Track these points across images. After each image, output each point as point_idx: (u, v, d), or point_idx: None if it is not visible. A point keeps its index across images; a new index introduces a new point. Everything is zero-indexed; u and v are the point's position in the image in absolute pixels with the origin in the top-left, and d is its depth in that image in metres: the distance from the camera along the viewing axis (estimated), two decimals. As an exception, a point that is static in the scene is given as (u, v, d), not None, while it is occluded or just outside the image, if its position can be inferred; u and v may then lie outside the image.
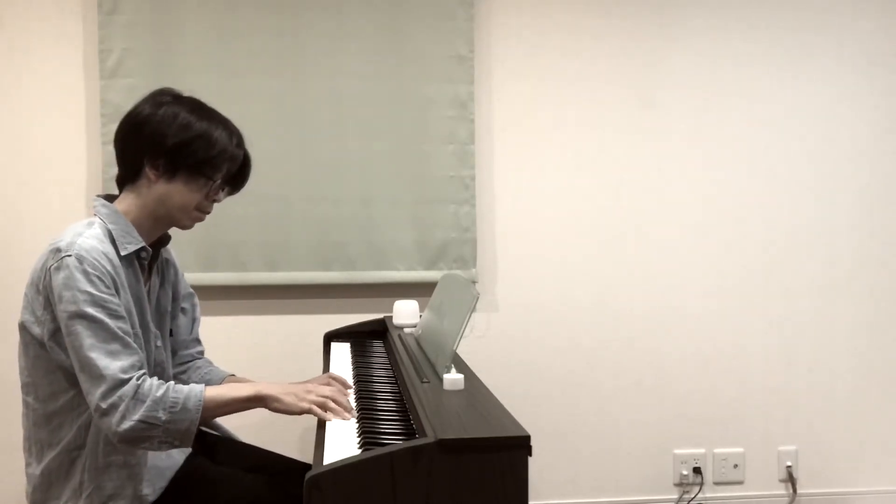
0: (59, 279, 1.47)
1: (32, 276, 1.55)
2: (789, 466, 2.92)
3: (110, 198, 1.65)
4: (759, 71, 2.87)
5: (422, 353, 1.98)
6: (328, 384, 1.81)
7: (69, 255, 1.47)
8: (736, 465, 2.91)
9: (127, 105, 2.56)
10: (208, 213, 1.68)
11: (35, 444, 1.58)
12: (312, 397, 1.60)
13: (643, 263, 2.86)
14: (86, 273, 1.46)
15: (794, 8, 2.87)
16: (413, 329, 2.37)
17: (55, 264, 1.48)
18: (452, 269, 2.73)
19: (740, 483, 2.92)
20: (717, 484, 2.92)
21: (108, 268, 1.50)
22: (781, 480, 2.94)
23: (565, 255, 2.84)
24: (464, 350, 2.62)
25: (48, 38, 2.65)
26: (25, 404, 1.59)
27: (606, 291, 2.85)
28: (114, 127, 2.57)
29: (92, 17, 2.64)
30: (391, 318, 2.49)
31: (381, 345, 2.39)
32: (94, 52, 2.64)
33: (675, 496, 2.91)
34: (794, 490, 2.92)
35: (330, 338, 2.48)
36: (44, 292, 1.51)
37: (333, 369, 2.04)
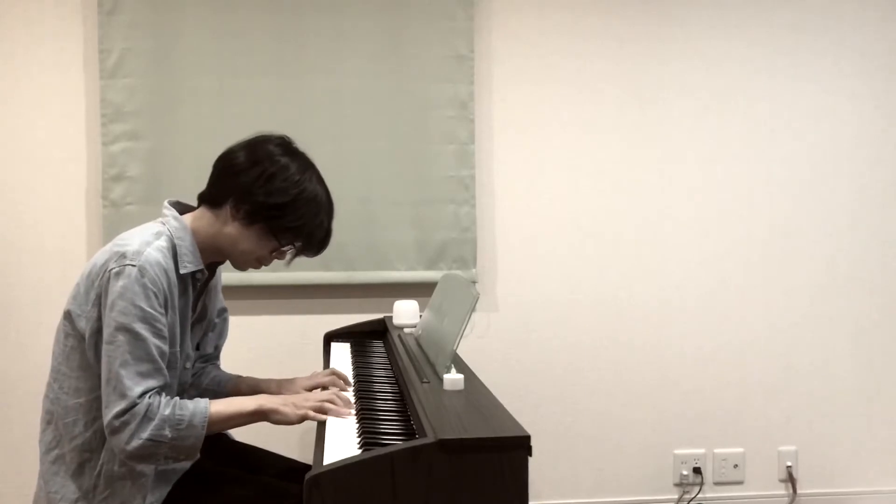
0: (117, 286, 1.47)
1: (91, 270, 1.54)
2: (789, 466, 2.92)
3: (181, 207, 1.66)
4: (759, 71, 2.87)
5: (422, 353, 1.98)
6: (332, 381, 1.83)
7: (132, 265, 1.48)
8: (736, 465, 2.91)
9: (127, 105, 2.61)
10: (266, 265, 1.69)
11: (53, 428, 1.58)
12: (310, 403, 1.61)
13: (643, 263, 2.86)
14: (144, 287, 1.47)
15: (794, 9, 2.87)
16: (413, 329, 2.37)
17: (117, 269, 1.48)
18: (452, 269, 2.73)
19: (740, 483, 2.92)
20: (717, 484, 2.92)
21: (165, 286, 1.52)
22: (781, 480, 2.94)
23: (565, 255, 2.84)
24: (464, 350, 2.62)
25: (48, 38, 2.65)
26: (50, 388, 1.59)
27: (606, 291, 2.86)
28: (114, 127, 2.64)
29: (92, 17, 2.65)
30: (391, 318, 2.49)
31: (381, 345, 2.39)
32: (94, 52, 2.64)
33: (675, 496, 2.91)
34: (794, 490, 2.92)
35: (330, 338, 2.48)
36: (98, 290, 1.51)
37: (333, 369, 2.03)
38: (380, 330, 2.52)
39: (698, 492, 2.90)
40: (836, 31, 2.88)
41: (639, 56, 2.83)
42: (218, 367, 1.93)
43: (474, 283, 2.76)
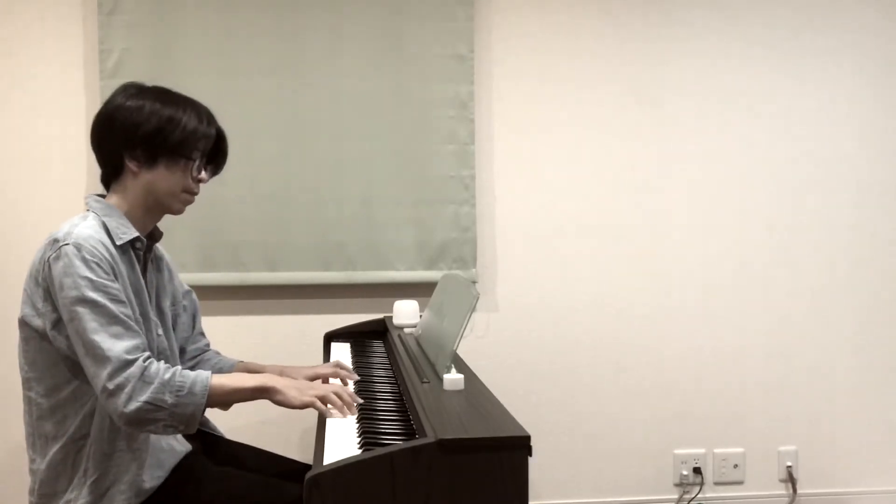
0: (58, 268, 1.48)
1: (31, 270, 1.56)
2: (789, 466, 2.92)
3: (103, 196, 1.67)
4: (759, 71, 2.87)
5: (422, 353, 1.98)
6: (335, 372, 1.84)
7: (67, 244, 1.49)
8: (736, 465, 2.91)
9: (127, 105, 2.60)
10: (196, 193, 1.69)
11: (39, 439, 1.58)
12: (315, 392, 1.61)
13: (643, 263, 2.86)
14: (84, 260, 1.48)
15: (795, 8, 2.87)
16: (413, 329, 2.37)
17: (53, 254, 1.49)
18: (452, 269, 2.73)
19: (740, 483, 2.92)
20: (717, 484, 2.92)
21: (106, 255, 1.52)
22: (781, 480, 2.94)
23: (565, 255, 2.84)
24: (464, 350, 2.62)
25: (48, 38, 2.66)
26: (27, 400, 1.59)
27: (606, 291, 2.86)
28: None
29: (92, 17, 2.65)
30: (391, 318, 2.49)
31: (381, 345, 2.39)
32: (94, 52, 2.64)
33: (675, 496, 2.91)
34: (794, 490, 2.92)
35: (330, 338, 2.48)
36: (43, 284, 1.52)
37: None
38: (380, 330, 2.52)
39: (698, 492, 2.90)
40: (836, 31, 2.88)
41: (639, 56, 2.83)
42: (217, 353, 1.94)
43: (474, 283, 2.76)
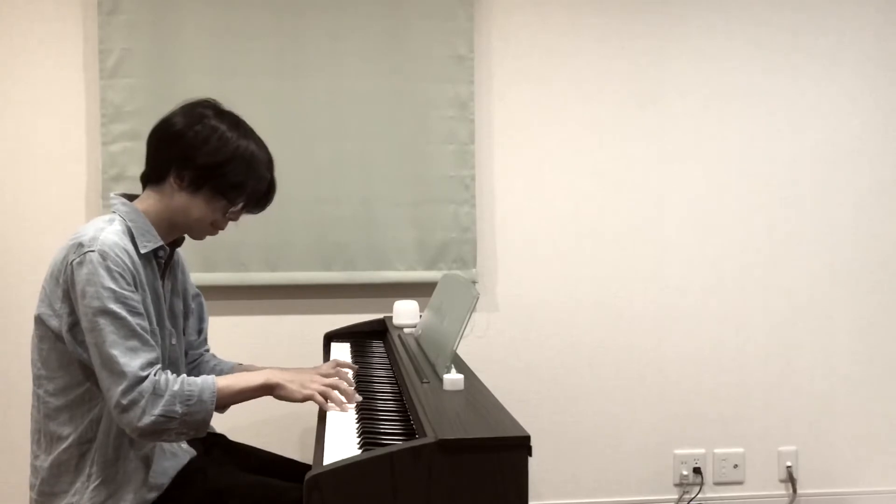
0: (81, 274, 1.48)
1: (52, 269, 1.55)
2: (789, 466, 2.92)
3: (129, 197, 1.67)
4: (759, 71, 2.87)
5: (422, 353, 1.98)
6: (335, 371, 1.84)
7: (92, 251, 1.49)
8: (736, 465, 2.91)
9: (127, 105, 2.62)
10: (222, 229, 1.70)
11: (45, 437, 1.58)
12: (316, 386, 1.64)
13: (643, 263, 2.86)
14: (109, 269, 1.48)
15: (794, 9, 2.87)
16: (413, 329, 2.37)
17: (78, 259, 1.49)
18: (452, 269, 2.73)
19: (740, 483, 2.92)
20: (717, 484, 2.92)
21: (129, 264, 1.52)
22: (781, 480, 2.94)
23: (565, 255, 2.84)
24: (464, 350, 2.62)
25: (48, 38, 2.66)
26: (36, 396, 1.59)
27: (607, 291, 2.86)
28: (114, 127, 2.64)
29: (92, 17, 2.65)
30: (391, 318, 2.49)
31: (381, 345, 2.39)
32: (94, 52, 2.64)
33: (675, 496, 2.91)
34: (794, 490, 2.92)
35: (330, 338, 2.48)
36: (63, 286, 1.52)
37: (334, 369, 2.03)
38: (380, 330, 2.52)
39: (698, 492, 2.90)
40: (835, 32, 2.88)
41: (639, 56, 2.83)
42: (214, 356, 1.95)
43: (474, 283, 2.76)
